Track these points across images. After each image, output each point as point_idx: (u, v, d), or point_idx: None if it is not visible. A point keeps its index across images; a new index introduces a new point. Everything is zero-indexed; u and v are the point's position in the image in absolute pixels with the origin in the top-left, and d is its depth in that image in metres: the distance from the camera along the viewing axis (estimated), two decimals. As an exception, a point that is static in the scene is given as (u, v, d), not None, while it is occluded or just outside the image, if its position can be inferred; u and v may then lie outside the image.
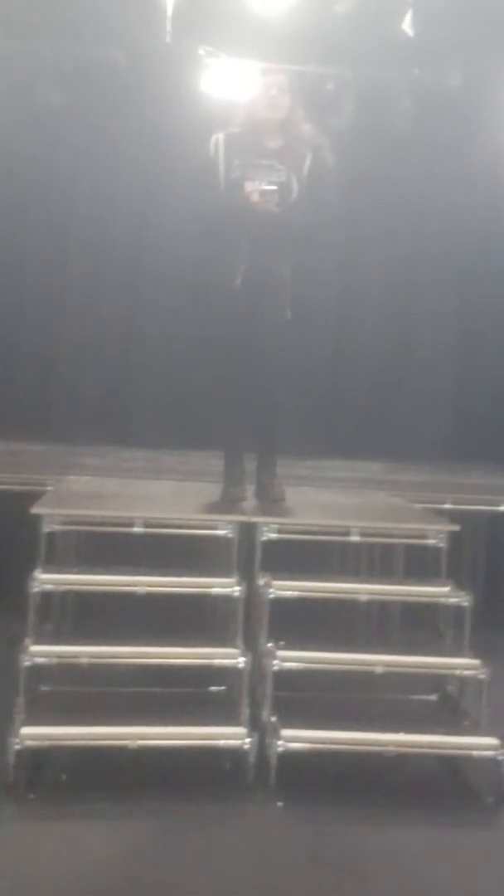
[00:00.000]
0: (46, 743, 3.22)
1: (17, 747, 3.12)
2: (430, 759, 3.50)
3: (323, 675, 3.52)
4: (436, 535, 3.71)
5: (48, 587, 3.45)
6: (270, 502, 3.93)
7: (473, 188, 6.17)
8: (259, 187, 3.65)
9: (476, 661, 3.47)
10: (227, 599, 3.53)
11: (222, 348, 3.94)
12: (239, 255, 3.74)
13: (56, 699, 3.52)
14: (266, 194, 3.65)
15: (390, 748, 3.29)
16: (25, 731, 3.17)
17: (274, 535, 3.61)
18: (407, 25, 5.24)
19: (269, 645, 3.44)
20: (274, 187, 3.66)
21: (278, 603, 3.48)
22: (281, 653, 3.40)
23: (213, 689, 3.63)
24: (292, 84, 3.86)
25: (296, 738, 3.24)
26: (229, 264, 3.75)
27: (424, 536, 3.74)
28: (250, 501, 3.96)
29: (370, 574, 4.30)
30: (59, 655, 3.38)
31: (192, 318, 4.74)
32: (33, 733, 3.18)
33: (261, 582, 3.53)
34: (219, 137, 3.79)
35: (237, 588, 3.47)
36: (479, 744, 3.33)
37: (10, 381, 6.11)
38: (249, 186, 3.66)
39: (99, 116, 6.01)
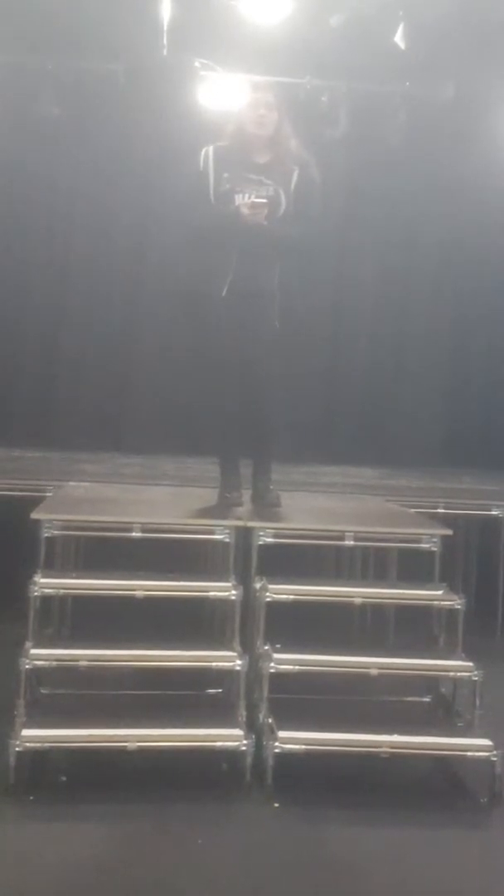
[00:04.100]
0: (46, 745, 3.25)
1: (17, 749, 3.14)
2: (424, 759, 3.52)
3: (318, 677, 3.53)
4: (429, 540, 3.74)
5: (48, 591, 3.47)
6: (266, 507, 3.97)
7: (466, 200, 6.22)
8: (249, 200, 3.70)
9: (469, 664, 3.49)
10: (224, 603, 3.56)
11: (213, 357, 3.97)
12: (228, 266, 3.77)
13: (55, 702, 3.54)
14: (256, 207, 3.69)
15: (385, 749, 3.31)
16: (25, 733, 3.19)
17: (270, 540, 3.63)
18: (399, 38, 5.31)
19: (266, 647, 3.46)
20: (263, 200, 3.70)
21: (274, 606, 3.51)
22: (277, 655, 3.42)
23: (211, 691, 3.64)
24: (280, 101, 3.89)
25: (292, 740, 3.26)
26: (218, 275, 3.78)
27: (418, 540, 3.76)
28: (247, 506, 3.99)
29: (364, 578, 4.36)
30: (58, 658, 3.40)
31: (187, 327, 4.78)
32: (33, 735, 3.20)
33: (257, 585, 3.55)
34: (208, 150, 3.83)
35: (234, 591, 3.49)
36: (473, 745, 3.36)
37: (10, 388, 6.15)
38: (239, 199, 3.71)
39: (97, 128, 6.08)
